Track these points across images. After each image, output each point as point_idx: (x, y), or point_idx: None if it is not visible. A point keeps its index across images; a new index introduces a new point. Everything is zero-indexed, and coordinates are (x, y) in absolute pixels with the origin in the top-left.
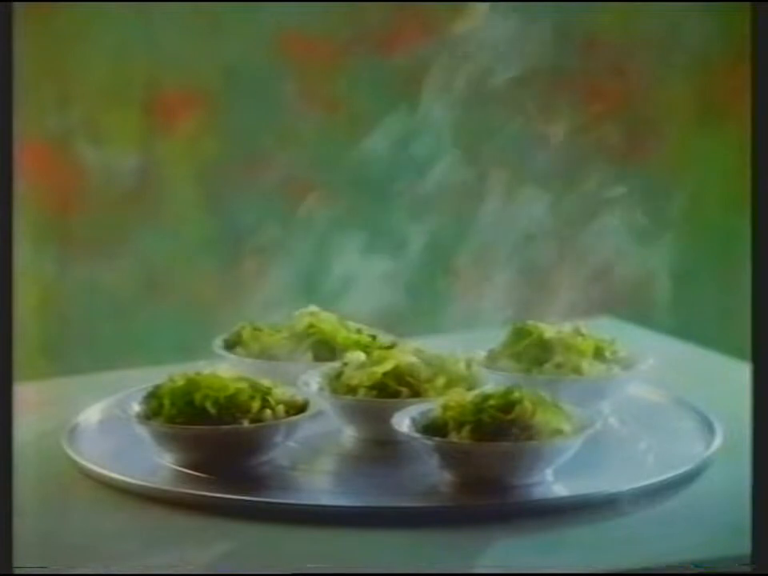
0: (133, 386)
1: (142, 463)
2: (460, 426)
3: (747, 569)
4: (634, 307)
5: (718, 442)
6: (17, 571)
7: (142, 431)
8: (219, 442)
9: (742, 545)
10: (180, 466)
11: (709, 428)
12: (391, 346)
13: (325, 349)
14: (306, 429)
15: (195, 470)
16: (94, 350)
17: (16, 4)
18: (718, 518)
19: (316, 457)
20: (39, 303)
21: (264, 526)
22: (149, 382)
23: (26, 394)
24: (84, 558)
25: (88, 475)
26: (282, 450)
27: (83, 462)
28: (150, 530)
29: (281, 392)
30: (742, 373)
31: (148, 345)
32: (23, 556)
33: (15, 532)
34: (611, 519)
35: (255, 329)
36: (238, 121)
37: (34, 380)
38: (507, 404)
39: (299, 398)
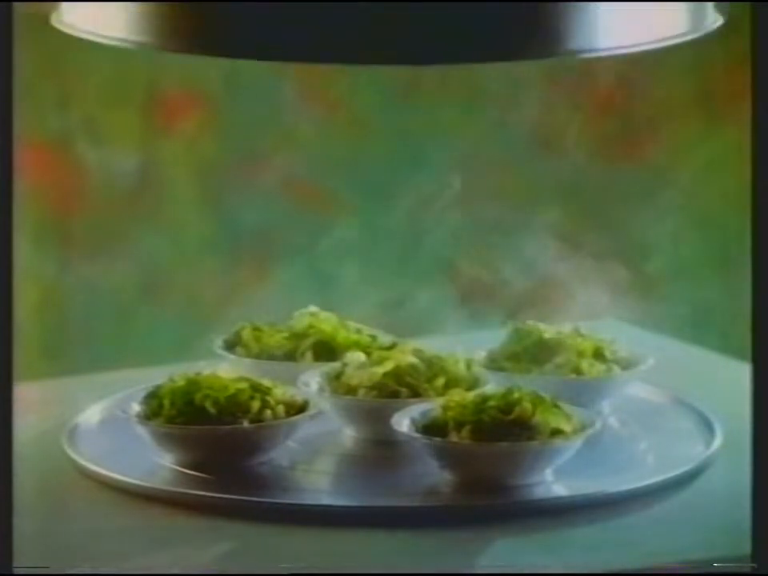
0: (133, 386)
1: (141, 463)
2: (460, 426)
3: (747, 569)
4: (634, 308)
5: (717, 442)
6: (17, 571)
7: (142, 431)
8: (219, 442)
9: (742, 545)
10: (180, 466)
11: (709, 428)
12: (391, 347)
13: (325, 349)
14: (306, 429)
15: (195, 470)
16: (94, 350)
17: (16, 4)
18: (718, 518)
19: (316, 457)
20: (39, 303)
21: (264, 526)
22: (149, 382)
23: (26, 394)
24: (84, 558)
25: (88, 475)
26: (282, 450)
27: (83, 462)
28: (150, 530)
29: (281, 392)
30: (742, 373)
31: (148, 345)
32: (23, 556)
33: (15, 532)
34: (611, 519)
35: (255, 329)
36: (238, 121)
37: (34, 380)
38: (507, 404)
39: (299, 398)
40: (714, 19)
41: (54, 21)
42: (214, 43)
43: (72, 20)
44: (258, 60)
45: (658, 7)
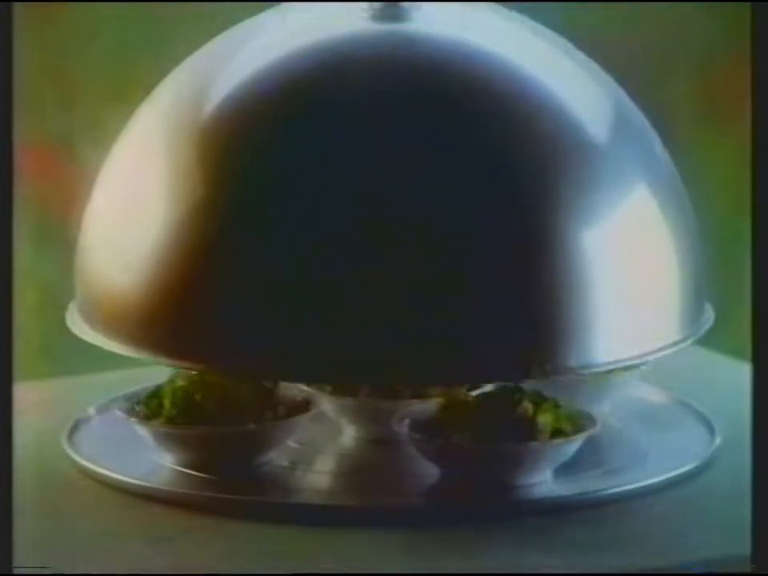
0: (133, 386)
1: (142, 463)
2: (460, 426)
3: (747, 569)
4: None
5: (717, 442)
6: (17, 571)
7: (142, 432)
8: (219, 442)
9: (742, 545)
10: (180, 467)
11: (709, 428)
12: None
13: None
14: (306, 429)
15: (195, 471)
16: (94, 350)
17: (16, 4)
18: (718, 517)
19: (316, 457)
20: (39, 303)
21: (264, 525)
22: (149, 382)
23: (26, 394)
24: (84, 558)
25: (88, 475)
26: (282, 450)
27: (83, 462)
28: (150, 530)
29: (281, 392)
30: (742, 373)
31: None
32: (23, 556)
33: (15, 532)
34: (611, 519)
35: None
36: None
37: (34, 380)
38: (508, 404)
39: (299, 398)
40: (708, 317)
41: (70, 322)
42: (219, 361)
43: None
44: (256, 381)
45: (655, 316)
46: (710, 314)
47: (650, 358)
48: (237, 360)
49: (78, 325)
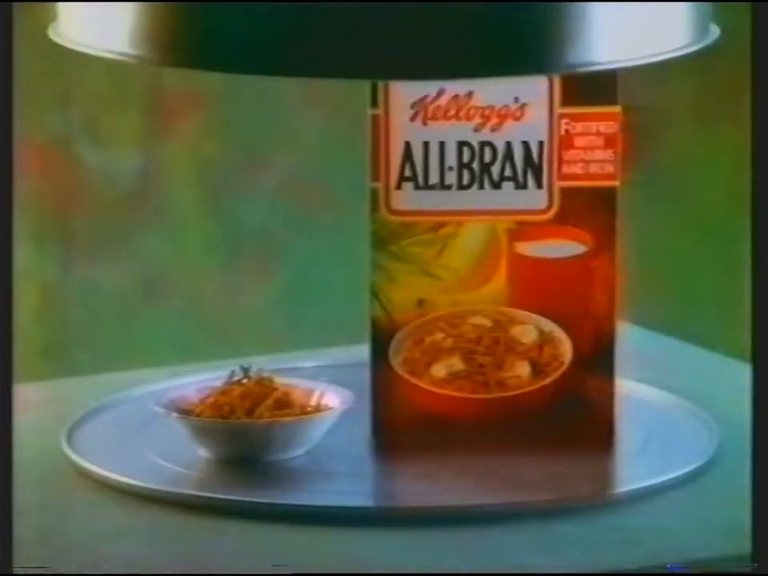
0: (134, 386)
1: (141, 463)
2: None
3: (747, 569)
4: (635, 308)
5: (717, 442)
6: (17, 571)
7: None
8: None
9: (742, 545)
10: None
11: (709, 428)
12: None
13: None
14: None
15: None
16: (95, 351)
17: (16, 4)
18: (718, 517)
19: (317, 457)
20: (40, 304)
21: (265, 526)
22: (149, 383)
23: (26, 394)
24: (84, 558)
25: (88, 475)
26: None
27: (83, 462)
28: (149, 530)
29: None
30: (742, 373)
31: (149, 346)
32: (23, 556)
33: (15, 532)
34: (611, 519)
35: None
36: (239, 122)
37: (35, 380)
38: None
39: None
40: (712, 31)
41: (52, 33)
42: (213, 57)
43: (69, 32)
44: (259, 74)
45: (658, 20)
46: (715, 31)
47: (653, 59)
48: (232, 54)
49: (64, 38)
